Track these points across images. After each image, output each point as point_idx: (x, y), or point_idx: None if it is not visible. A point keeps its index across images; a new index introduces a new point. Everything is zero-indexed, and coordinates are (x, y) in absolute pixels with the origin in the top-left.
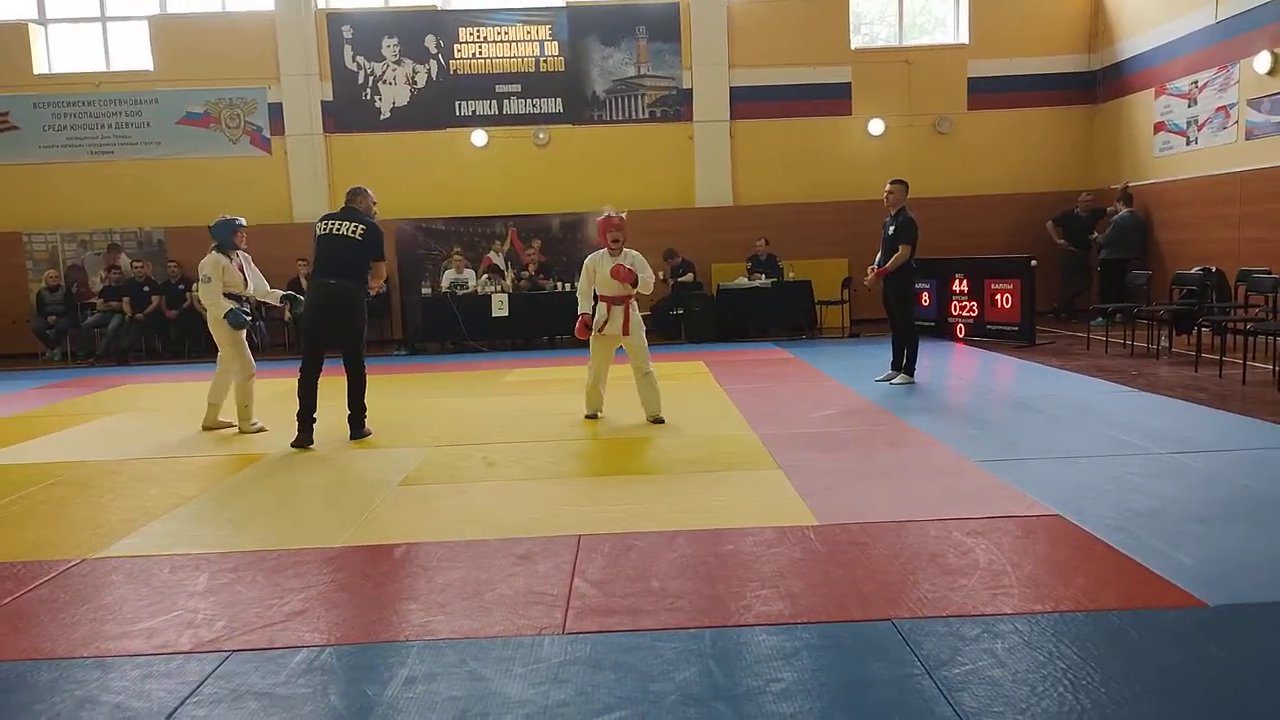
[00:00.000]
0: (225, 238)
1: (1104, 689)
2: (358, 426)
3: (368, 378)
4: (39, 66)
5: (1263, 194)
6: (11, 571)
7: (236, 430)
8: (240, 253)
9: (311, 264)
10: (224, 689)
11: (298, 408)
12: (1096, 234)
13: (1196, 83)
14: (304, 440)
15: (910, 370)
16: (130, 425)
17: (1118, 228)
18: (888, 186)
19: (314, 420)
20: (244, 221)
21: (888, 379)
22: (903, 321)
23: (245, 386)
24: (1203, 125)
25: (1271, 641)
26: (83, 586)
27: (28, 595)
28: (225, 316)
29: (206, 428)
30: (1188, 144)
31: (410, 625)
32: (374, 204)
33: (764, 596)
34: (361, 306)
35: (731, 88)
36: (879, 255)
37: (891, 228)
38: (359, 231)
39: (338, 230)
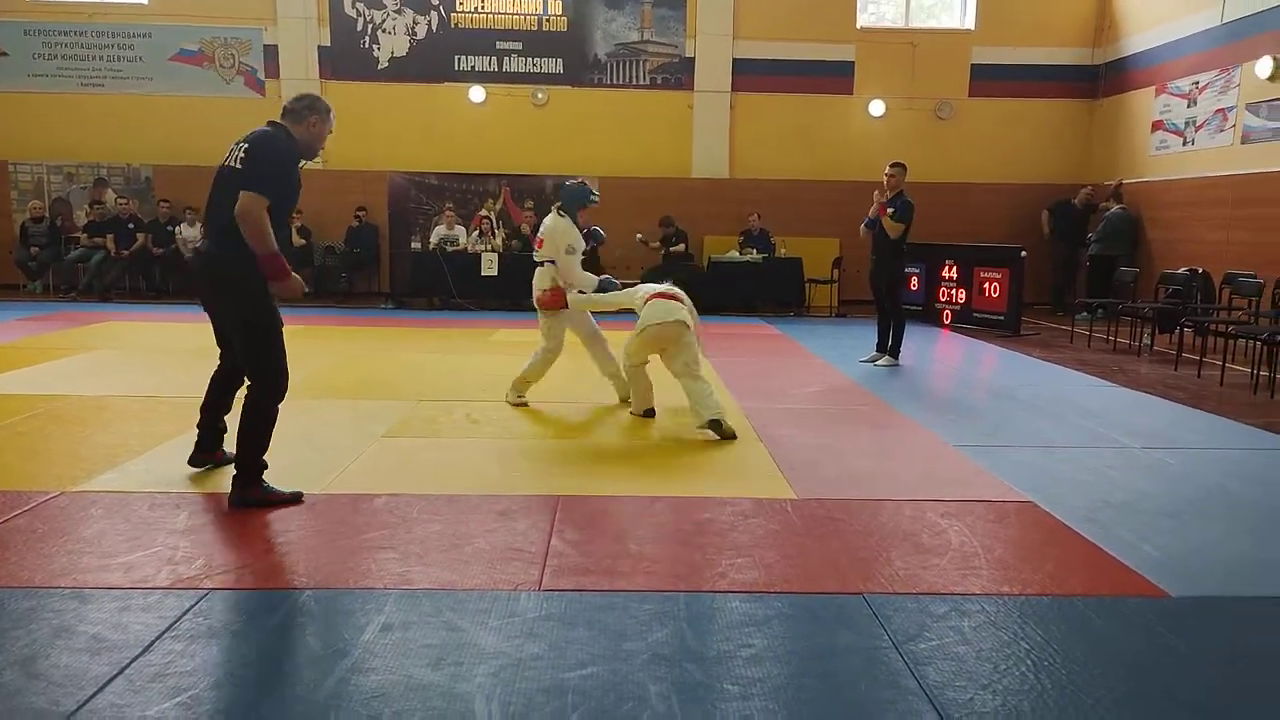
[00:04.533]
0: (571, 209)
1: (1065, 671)
2: (240, 484)
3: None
4: None
5: (1254, 198)
6: None
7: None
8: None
9: None
10: (201, 625)
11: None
12: (1091, 233)
13: (1197, 83)
14: (194, 458)
15: (895, 353)
16: (111, 362)
17: (1109, 224)
18: (888, 169)
19: (222, 429)
20: (596, 197)
21: (872, 360)
22: (891, 304)
23: (546, 358)
24: (1200, 126)
25: (1228, 633)
26: (61, 519)
27: (5, 525)
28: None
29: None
30: (1184, 144)
31: (388, 574)
32: (326, 125)
33: (739, 565)
34: (242, 281)
35: (734, 59)
36: (873, 239)
37: (890, 210)
38: (240, 155)
39: (226, 161)
